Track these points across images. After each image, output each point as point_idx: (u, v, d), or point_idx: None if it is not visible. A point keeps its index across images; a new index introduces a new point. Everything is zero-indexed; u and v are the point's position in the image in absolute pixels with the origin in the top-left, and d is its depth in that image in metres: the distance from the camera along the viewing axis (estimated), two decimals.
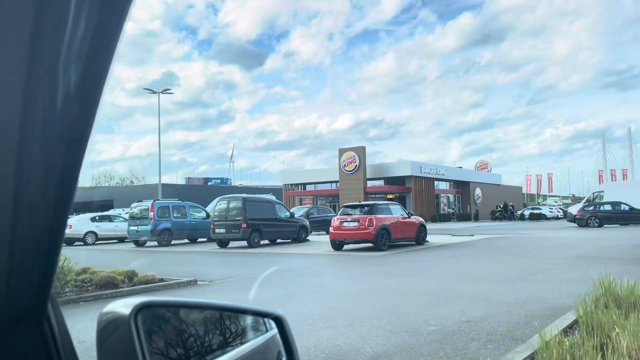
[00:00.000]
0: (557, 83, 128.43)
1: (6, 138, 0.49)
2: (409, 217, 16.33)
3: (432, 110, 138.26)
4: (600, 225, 27.84)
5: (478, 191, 55.69)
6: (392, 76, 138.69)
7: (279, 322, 1.14)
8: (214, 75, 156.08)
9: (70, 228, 23.11)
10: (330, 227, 15.68)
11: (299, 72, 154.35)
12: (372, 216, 14.80)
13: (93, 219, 24.23)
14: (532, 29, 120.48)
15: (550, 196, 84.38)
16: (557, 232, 24.48)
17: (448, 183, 52.89)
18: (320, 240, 20.62)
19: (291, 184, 53.43)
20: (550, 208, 53.13)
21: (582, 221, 28.66)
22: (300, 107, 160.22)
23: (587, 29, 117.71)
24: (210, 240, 21.48)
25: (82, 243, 23.28)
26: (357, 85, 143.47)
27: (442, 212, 49.71)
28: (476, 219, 51.89)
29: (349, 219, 15.10)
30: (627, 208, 27.49)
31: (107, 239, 24.45)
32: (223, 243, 18.75)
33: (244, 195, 21.40)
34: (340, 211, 15.93)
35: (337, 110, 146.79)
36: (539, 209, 52.66)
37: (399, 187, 46.19)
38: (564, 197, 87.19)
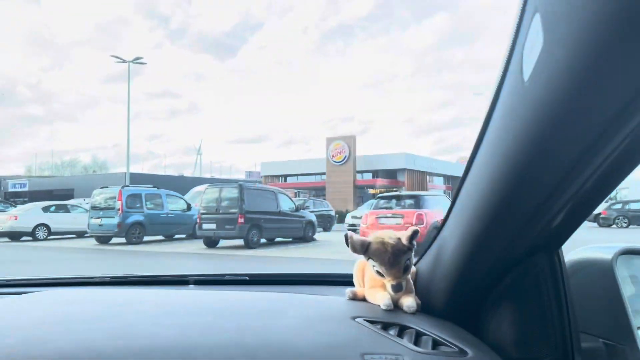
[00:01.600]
0: None
1: None
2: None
3: (404, 107, 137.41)
4: (627, 226, 24.97)
5: None
6: (365, 72, 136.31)
7: None
8: (186, 66, 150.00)
9: (16, 219, 18.64)
10: (361, 224, 11.91)
11: (271, 64, 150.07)
12: (423, 211, 11.11)
13: (46, 209, 19.71)
14: (505, 29, 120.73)
15: None
16: (601, 234, 21.35)
17: (440, 178, 49.88)
18: (328, 240, 16.82)
19: (271, 176, 49.37)
20: None
21: (608, 221, 25.73)
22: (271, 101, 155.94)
23: None
24: (191, 237, 17.42)
25: (30, 238, 18.83)
26: (330, 82, 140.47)
27: None
28: None
29: (389, 214, 11.37)
30: None
31: (63, 234, 19.99)
32: (212, 242, 14.73)
33: (240, 181, 17.39)
34: (374, 203, 12.15)
35: (309, 105, 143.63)
36: None
37: (391, 180, 42.79)
38: None
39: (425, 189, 45.40)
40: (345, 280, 1.31)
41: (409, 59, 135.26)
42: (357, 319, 0.95)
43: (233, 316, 0.98)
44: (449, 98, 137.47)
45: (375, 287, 1.07)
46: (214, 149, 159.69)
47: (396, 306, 1.02)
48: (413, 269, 1.10)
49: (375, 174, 44.21)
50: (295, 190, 49.05)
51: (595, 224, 27.26)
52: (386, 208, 11.59)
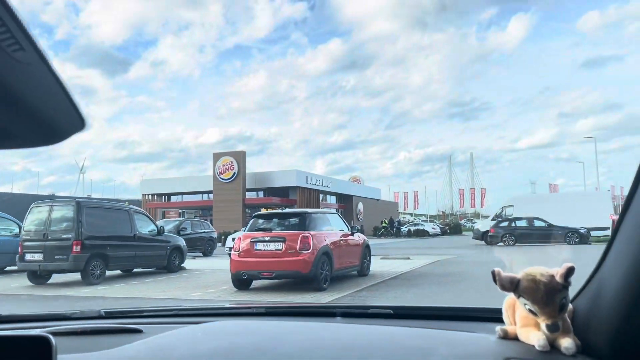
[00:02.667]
0: (412, 110, 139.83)
1: None
2: (352, 234, 10.64)
3: (300, 129, 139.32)
4: (514, 244, 25.05)
5: (360, 206, 52.41)
6: (263, 93, 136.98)
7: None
8: (71, 79, 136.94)
9: None
10: (232, 252, 9.32)
11: (166, 82, 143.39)
12: (308, 233, 8.81)
13: None
14: (393, 59, 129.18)
15: (410, 214, 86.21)
16: (495, 254, 20.73)
17: (333, 196, 48.73)
18: (201, 269, 13.95)
19: (152, 194, 44.83)
20: (432, 225, 51.74)
21: (495, 239, 25.65)
22: (166, 119, 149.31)
23: (439, 63, 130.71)
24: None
25: None
26: (227, 100, 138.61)
27: None
28: None
29: (267, 237, 8.90)
30: (543, 224, 25.03)
31: None
32: (39, 276, 11.21)
33: (78, 198, 13.93)
34: (250, 223, 9.62)
35: (205, 123, 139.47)
36: (422, 225, 50.91)
37: (283, 199, 40.60)
38: (430, 216, 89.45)
39: (318, 207, 43.85)
40: (495, 317, 1.24)
41: (305, 83, 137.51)
42: None
43: (379, 352, 1.00)
44: (342, 121, 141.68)
45: (528, 325, 1.03)
46: (103, 167, 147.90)
47: (552, 347, 0.98)
48: (570, 307, 1.03)
49: (267, 192, 41.80)
50: (180, 210, 45.04)
51: (483, 242, 27.24)
52: (264, 230, 9.12)
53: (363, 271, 11.01)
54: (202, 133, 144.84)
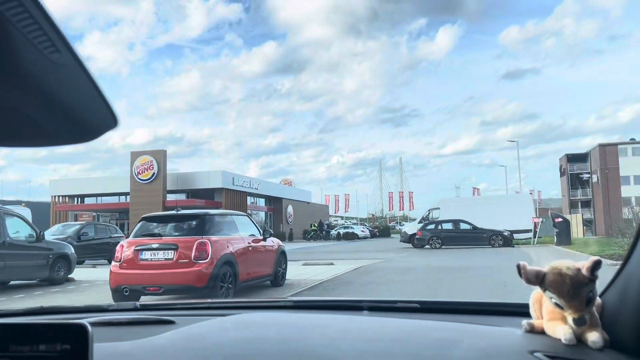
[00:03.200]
0: (345, 115, 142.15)
1: None
2: (264, 239, 9.31)
3: (234, 131, 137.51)
4: (441, 247, 24.81)
5: (290, 209, 51.20)
6: (195, 94, 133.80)
7: None
8: None
9: None
10: (113, 263, 7.71)
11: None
12: (207, 238, 7.39)
13: None
14: (327, 65, 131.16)
15: (341, 217, 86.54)
16: (421, 257, 20.17)
17: (261, 199, 47.14)
18: (92, 280, 12.04)
19: (63, 196, 41.14)
20: (361, 228, 51.48)
21: (422, 241, 25.30)
22: None
23: (372, 70, 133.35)
24: None
25: None
26: (158, 100, 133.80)
27: None
28: (290, 239, 47.00)
29: (155, 245, 7.37)
30: (469, 227, 24.96)
31: None
32: None
33: None
34: (136, 228, 8.02)
35: (134, 123, 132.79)
36: (352, 228, 50.52)
37: (207, 201, 38.52)
38: (361, 219, 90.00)
39: (245, 211, 42.14)
40: (521, 311, 1.24)
41: (239, 84, 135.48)
42: (535, 354, 0.92)
43: (406, 344, 1.01)
44: (277, 124, 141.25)
45: (554, 319, 1.03)
46: (20, 167, 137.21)
47: (579, 341, 0.97)
48: (598, 300, 1.03)
49: (190, 194, 39.54)
50: (95, 213, 41.63)
51: (410, 245, 26.87)
52: (153, 235, 7.58)
53: (277, 281, 9.71)
54: (130, 133, 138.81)
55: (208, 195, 39.04)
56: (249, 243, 8.50)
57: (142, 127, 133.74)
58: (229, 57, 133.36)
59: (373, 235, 51.37)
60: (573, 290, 0.96)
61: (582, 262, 0.99)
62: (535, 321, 1.09)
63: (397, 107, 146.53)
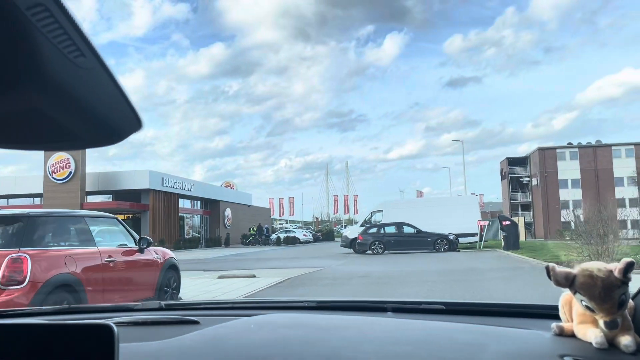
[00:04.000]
0: (293, 119, 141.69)
1: None
2: (140, 251, 6.81)
3: (178, 133, 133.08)
4: (383, 252, 22.98)
5: (228, 212, 48.21)
6: (139, 94, 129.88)
7: None
8: None
9: None
10: None
11: None
12: (24, 253, 4.86)
13: None
14: (276, 68, 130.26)
15: (286, 220, 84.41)
16: (361, 264, 18.14)
17: (196, 202, 43.92)
18: None
19: None
20: (303, 232, 49.35)
21: (364, 246, 23.38)
22: None
23: (320, 74, 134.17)
24: None
25: None
26: None
27: (187, 237, 40.29)
28: (227, 244, 44.07)
29: None
30: (413, 231, 23.26)
31: None
32: None
33: None
34: None
35: None
36: (293, 232, 48.28)
37: (133, 204, 35.11)
38: (306, 222, 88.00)
39: (176, 214, 38.92)
40: (550, 313, 1.22)
41: (185, 85, 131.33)
42: (565, 358, 0.91)
43: (431, 347, 0.99)
44: (224, 127, 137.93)
45: (585, 322, 0.99)
46: None
47: (611, 345, 0.95)
48: (631, 303, 1.01)
49: (114, 195, 35.93)
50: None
51: (351, 250, 24.93)
52: None
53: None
54: None
55: (135, 197, 35.63)
56: (109, 257, 6.00)
57: None
58: (175, 57, 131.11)
59: (316, 239, 49.41)
60: (604, 292, 0.94)
61: (614, 264, 0.97)
62: (565, 324, 1.06)
63: (344, 111, 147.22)
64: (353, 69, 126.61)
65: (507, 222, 21.72)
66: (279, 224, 72.90)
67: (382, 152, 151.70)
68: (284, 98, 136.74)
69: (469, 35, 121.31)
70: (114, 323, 0.68)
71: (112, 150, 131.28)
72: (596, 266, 0.96)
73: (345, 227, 64.70)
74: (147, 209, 35.36)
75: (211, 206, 45.94)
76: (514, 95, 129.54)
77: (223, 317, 1.38)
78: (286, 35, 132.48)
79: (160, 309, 1.62)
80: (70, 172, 32.57)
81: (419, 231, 23.13)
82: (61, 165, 32.67)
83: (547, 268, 1.00)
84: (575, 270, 0.99)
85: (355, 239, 24.32)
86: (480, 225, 24.63)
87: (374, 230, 23.98)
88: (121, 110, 0.55)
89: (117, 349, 0.66)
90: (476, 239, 25.08)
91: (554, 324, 1.06)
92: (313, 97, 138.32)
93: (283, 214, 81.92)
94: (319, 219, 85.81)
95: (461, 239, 23.89)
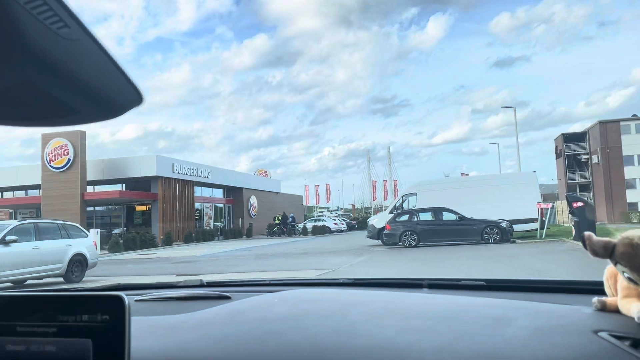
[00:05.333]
0: (336, 106, 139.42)
1: None
2: None
3: (224, 124, 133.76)
4: (416, 245, 18.39)
5: (253, 200, 44.52)
6: (185, 88, 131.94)
7: None
8: None
9: None
10: None
11: None
12: None
13: None
14: (318, 56, 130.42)
15: (327, 208, 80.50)
16: (383, 264, 13.76)
17: (216, 190, 40.37)
18: None
19: None
20: (334, 220, 45.05)
21: (393, 238, 18.85)
22: None
23: (362, 60, 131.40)
24: None
25: None
26: (147, 95, 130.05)
27: (206, 228, 36.79)
28: (249, 235, 40.38)
29: None
30: (454, 217, 18.51)
31: None
32: None
33: None
34: None
35: (123, 119, 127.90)
36: (323, 220, 44.09)
37: (140, 193, 31.81)
38: (346, 210, 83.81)
39: (191, 203, 35.41)
40: (596, 288, 1.15)
41: (229, 77, 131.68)
42: (599, 333, 0.85)
43: (454, 321, 0.97)
44: (268, 117, 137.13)
45: (629, 296, 0.93)
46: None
47: None
48: None
49: (123, 184, 32.78)
50: (11, 210, 34.76)
51: (379, 242, 20.45)
52: None
53: None
54: (119, 129, 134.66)
55: (144, 186, 32.33)
56: None
57: (132, 123, 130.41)
58: (220, 50, 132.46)
59: (351, 228, 45.03)
60: None
61: None
62: (608, 299, 1.00)
63: (387, 97, 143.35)
64: (396, 53, 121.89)
65: (580, 204, 16.47)
66: (319, 212, 69.08)
67: (427, 137, 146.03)
68: (327, 86, 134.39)
69: (517, 13, 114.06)
70: (156, 298, 0.68)
71: (161, 143, 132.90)
72: (638, 234, 0.89)
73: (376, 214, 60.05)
74: (156, 199, 31.97)
75: (234, 194, 42.35)
76: (565, 74, 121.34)
77: (253, 293, 1.39)
78: (328, 23, 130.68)
79: (201, 285, 1.65)
80: (69, 160, 29.48)
81: (461, 217, 18.35)
82: (59, 152, 29.63)
83: (583, 237, 0.94)
84: (616, 238, 0.93)
85: (383, 228, 19.79)
86: (542, 209, 19.54)
87: (405, 217, 19.35)
88: (117, 83, 0.54)
89: (128, 319, 0.65)
90: (534, 225, 20.04)
91: (595, 299, 1.00)
92: (355, 83, 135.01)
93: (319, 202, 78.19)
94: (354, 206, 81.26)
95: (516, 227, 18.98)
